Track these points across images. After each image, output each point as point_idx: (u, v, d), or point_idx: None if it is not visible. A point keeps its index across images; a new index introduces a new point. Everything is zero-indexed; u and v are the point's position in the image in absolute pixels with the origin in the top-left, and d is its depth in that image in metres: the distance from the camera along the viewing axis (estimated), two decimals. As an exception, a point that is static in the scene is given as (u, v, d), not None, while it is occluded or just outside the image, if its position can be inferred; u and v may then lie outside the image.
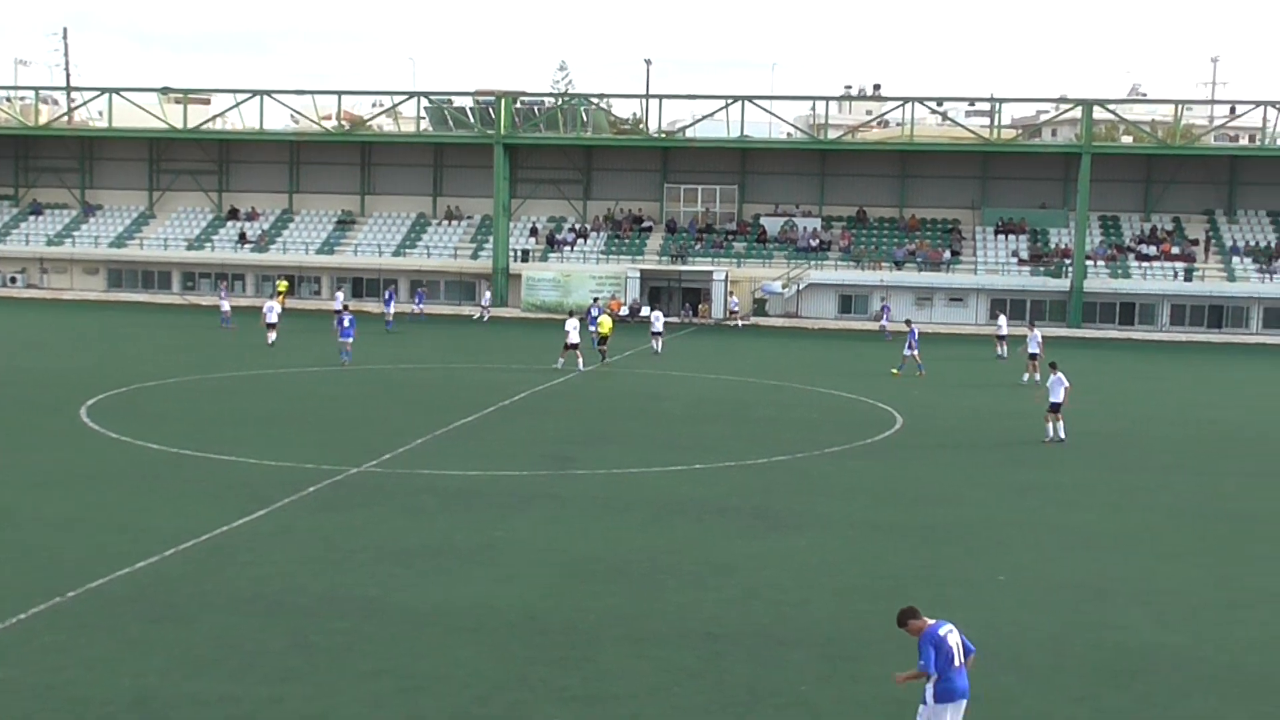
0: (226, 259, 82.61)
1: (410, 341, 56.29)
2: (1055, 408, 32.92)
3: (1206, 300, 72.64)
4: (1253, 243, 76.44)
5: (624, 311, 70.72)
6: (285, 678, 14.82)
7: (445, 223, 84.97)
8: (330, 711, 13.92)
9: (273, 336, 52.25)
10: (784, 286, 74.19)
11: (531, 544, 21.03)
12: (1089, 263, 74.19)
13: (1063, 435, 32.60)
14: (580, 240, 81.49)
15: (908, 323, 51.68)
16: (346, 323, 47.02)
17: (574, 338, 46.24)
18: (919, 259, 76.63)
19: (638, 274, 74.80)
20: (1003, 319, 59.18)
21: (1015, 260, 76.43)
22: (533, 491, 25.19)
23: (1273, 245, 75.71)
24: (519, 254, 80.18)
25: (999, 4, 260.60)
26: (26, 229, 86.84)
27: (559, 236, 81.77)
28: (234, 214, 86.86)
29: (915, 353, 47.39)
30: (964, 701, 12.58)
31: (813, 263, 76.86)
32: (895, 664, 15.71)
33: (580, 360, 45.84)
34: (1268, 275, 73.23)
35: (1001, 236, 78.58)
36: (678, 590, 18.61)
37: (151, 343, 53.80)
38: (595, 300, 62.83)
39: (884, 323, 64.93)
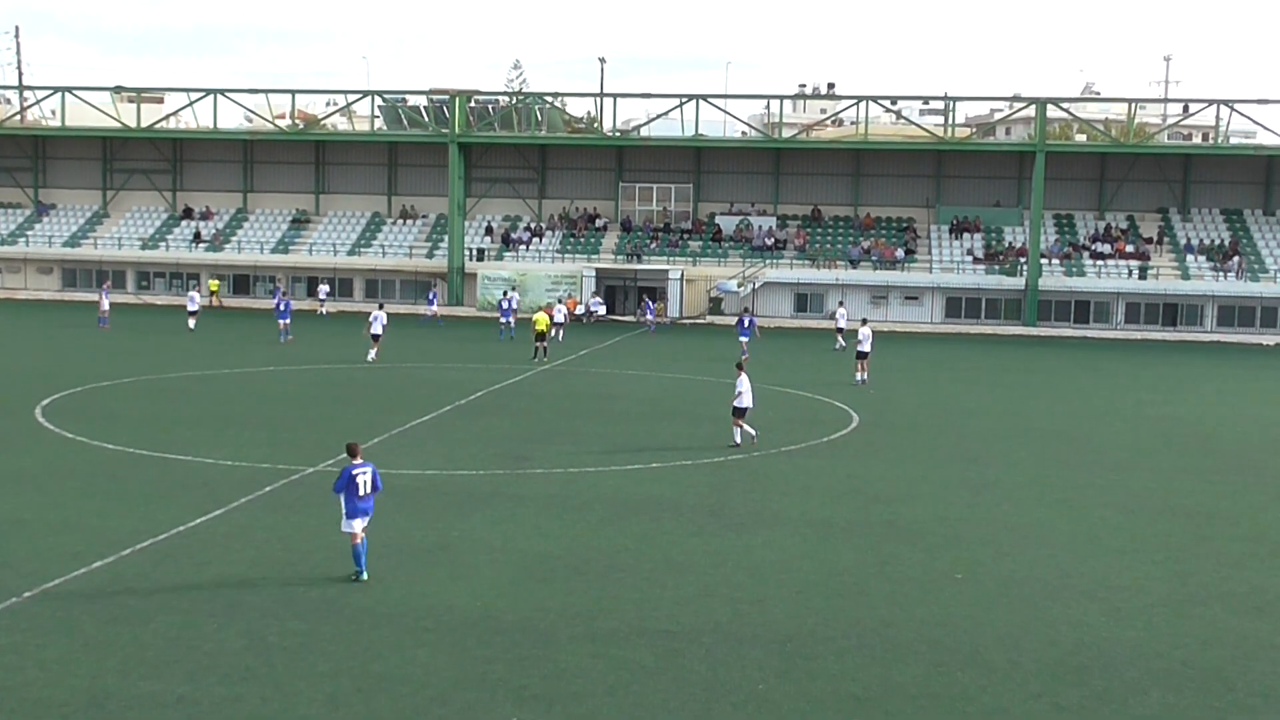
0: (181, 258, 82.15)
1: (359, 343, 56.03)
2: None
3: (1161, 298, 73.30)
4: (1206, 241, 77.20)
5: (580, 310, 70.66)
6: (242, 678, 14.73)
7: (400, 222, 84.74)
8: (287, 711, 13.84)
9: (193, 323, 57.58)
10: (740, 285, 74.33)
11: (488, 543, 20.99)
12: (1044, 261, 74.75)
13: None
14: (536, 239, 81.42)
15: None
16: (283, 307, 54.93)
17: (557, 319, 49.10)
18: (874, 258, 76.97)
19: (593, 273, 74.77)
20: (842, 311, 59.64)
21: (970, 259, 76.89)
22: (489, 490, 25.13)
23: (1226, 243, 76.47)
24: (474, 253, 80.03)
25: (953, 3, 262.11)
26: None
27: (514, 235, 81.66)
28: (188, 213, 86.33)
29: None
30: (366, 518, 18.68)
31: (768, 261, 77.09)
32: (852, 661, 15.80)
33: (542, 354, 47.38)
34: (1221, 273, 73.96)
35: (956, 235, 79.02)
36: (635, 588, 18.61)
37: (107, 342, 53.34)
38: (506, 293, 65.02)
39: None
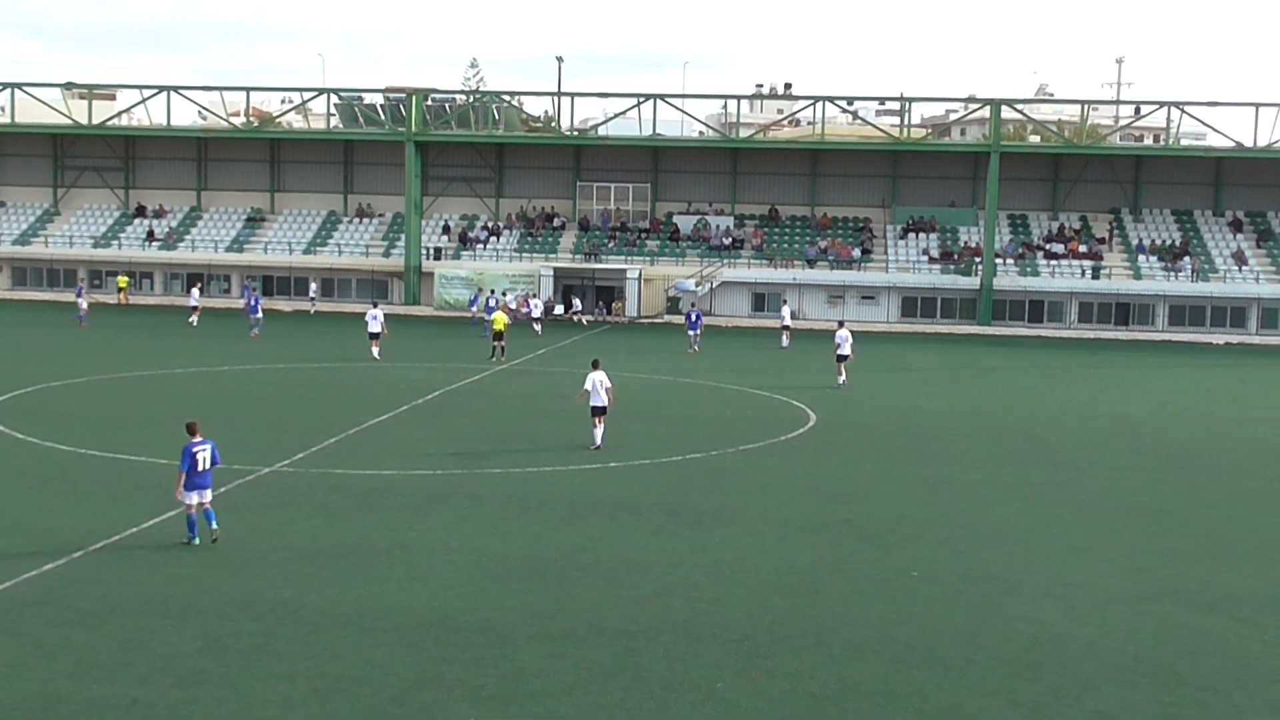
0: (134, 256, 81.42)
1: (320, 341, 55.80)
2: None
3: (1113, 298, 73.89)
4: (1158, 241, 77.87)
5: (536, 310, 70.40)
6: (197, 680, 14.63)
7: (356, 220, 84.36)
8: (242, 713, 13.75)
9: (194, 319, 61.49)
10: (697, 285, 74.41)
11: (445, 543, 20.93)
12: (998, 261, 75.21)
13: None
14: (493, 238, 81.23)
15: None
16: (253, 303, 58.08)
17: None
18: (831, 257, 77.23)
19: (551, 272, 74.65)
20: (787, 310, 60.35)
21: (926, 259, 77.27)
22: (446, 490, 25.06)
23: (1177, 243, 77.18)
24: (431, 252, 79.77)
25: (909, 5, 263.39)
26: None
27: (472, 234, 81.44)
28: (141, 211, 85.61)
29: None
30: (205, 490, 20.38)
31: (726, 261, 77.20)
32: (810, 659, 15.85)
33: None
34: (1172, 273, 74.63)
35: (912, 235, 79.40)
36: (593, 588, 18.60)
37: (58, 342, 52.85)
38: (493, 292, 66.65)
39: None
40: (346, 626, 16.59)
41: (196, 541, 20.22)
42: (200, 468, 20.23)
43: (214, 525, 20.46)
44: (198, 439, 20.45)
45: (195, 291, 65.45)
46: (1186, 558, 21.47)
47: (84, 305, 60.91)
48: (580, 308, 71.80)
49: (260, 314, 57.99)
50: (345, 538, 21.09)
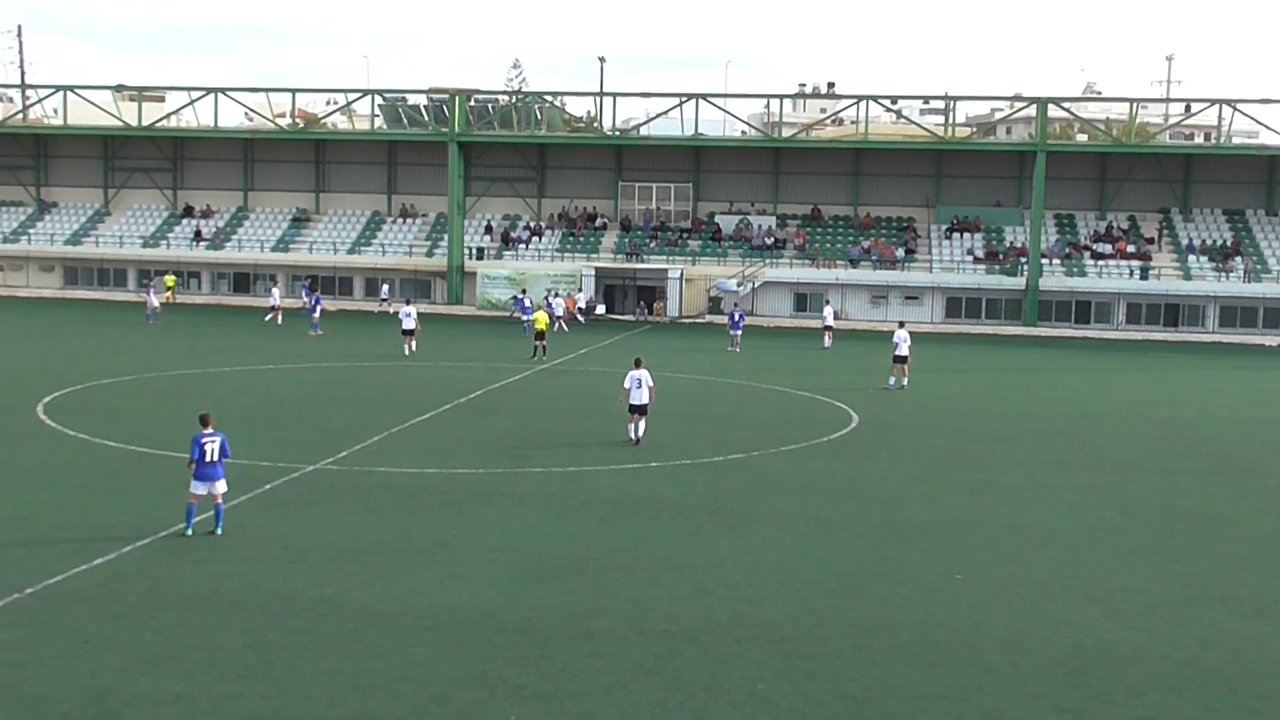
0: (181, 256, 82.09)
1: (363, 339, 56.08)
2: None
3: (1162, 299, 73.20)
4: (1208, 241, 77.11)
5: (581, 306, 70.56)
6: (241, 675, 14.73)
7: (400, 220, 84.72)
8: (285, 709, 13.83)
9: (278, 318, 63.09)
10: (739, 285, 74.28)
11: (487, 542, 20.98)
12: (1044, 261, 74.69)
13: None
14: (535, 238, 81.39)
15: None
16: (314, 302, 59.54)
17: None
18: (874, 257, 76.94)
19: (593, 272, 74.70)
20: (829, 310, 60.15)
21: (970, 259, 76.85)
22: (488, 489, 25.12)
23: (1228, 243, 76.41)
24: (474, 252, 80.00)
25: (954, 2, 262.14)
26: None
27: (514, 234, 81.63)
28: (189, 211, 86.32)
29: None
30: (212, 482, 20.74)
31: (768, 261, 77.05)
32: (851, 661, 15.79)
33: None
34: (1223, 274, 73.88)
35: (956, 235, 78.99)
36: (633, 588, 18.60)
37: (108, 340, 53.35)
38: (524, 292, 68.30)
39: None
40: (388, 624, 16.65)
41: (189, 533, 20.71)
42: (208, 459, 20.71)
43: (218, 528, 20.93)
44: (208, 430, 21.00)
45: (276, 291, 66.96)
46: (1235, 562, 21.24)
47: (155, 303, 61.90)
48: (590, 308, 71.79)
49: (319, 313, 59.10)
50: (387, 535, 21.18)
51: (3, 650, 15.33)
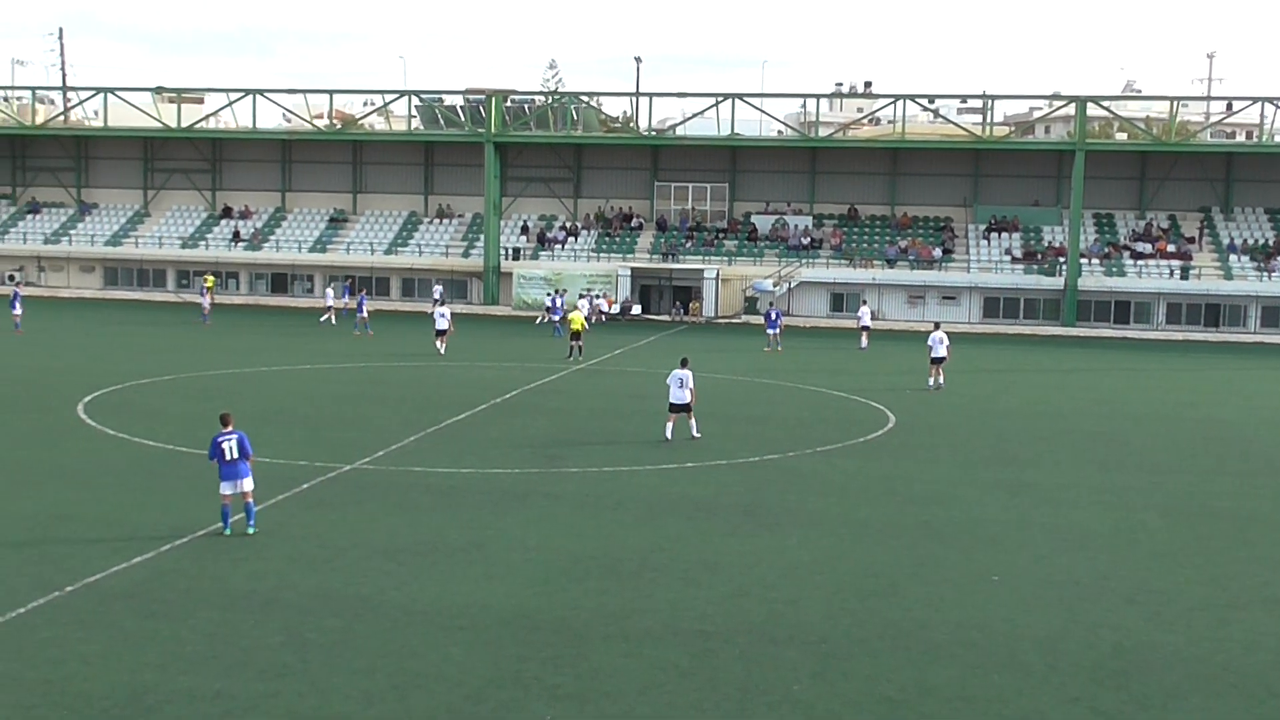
0: (220, 257, 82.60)
1: (402, 339, 56.28)
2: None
3: (1203, 299, 72.60)
4: (1250, 240, 76.45)
5: (616, 309, 70.65)
6: (279, 674, 14.81)
7: (436, 221, 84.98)
8: (323, 707, 13.90)
9: (333, 318, 63.47)
10: (775, 285, 74.15)
11: (523, 542, 21.01)
12: (1083, 261, 74.23)
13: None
14: (571, 238, 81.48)
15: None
16: (360, 303, 59.71)
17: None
18: (911, 257, 76.66)
19: (629, 272, 74.72)
20: (866, 310, 59.52)
21: (1008, 258, 76.46)
22: (524, 489, 25.17)
23: (1270, 243, 75.74)
24: (510, 252, 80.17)
25: (992, 1, 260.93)
26: (24, 227, 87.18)
27: (550, 234, 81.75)
28: (227, 212, 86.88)
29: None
30: (237, 480, 20.80)
31: (804, 261, 76.89)
32: (887, 662, 15.73)
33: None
34: (1265, 273, 73.23)
35: (994, 234, 78.61)
36: (669, 588, 18.59)
37: (147, 340, 53.76)
38: (560, 292, 67.24)
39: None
40: (425, 623, 16.71)
41: (228, 532, 20.84)
42: (228, 457, 20.81)
43: (251, 526, 21.06)
44: (226, 429, 21.16)
45: (330, 291, 66.77)
46: (1276, 565, 21.03)
47: (207, 304, 62.57)
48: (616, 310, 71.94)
49: (365, 313, 59.15)
50: (424, 535, 21.25)
51: (44, 647, 15.47)
